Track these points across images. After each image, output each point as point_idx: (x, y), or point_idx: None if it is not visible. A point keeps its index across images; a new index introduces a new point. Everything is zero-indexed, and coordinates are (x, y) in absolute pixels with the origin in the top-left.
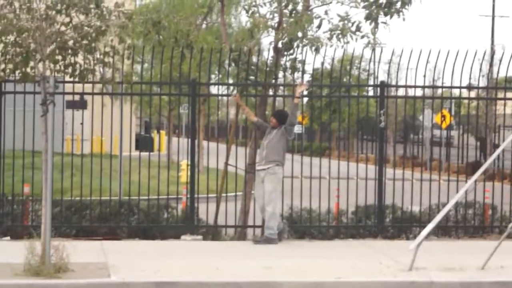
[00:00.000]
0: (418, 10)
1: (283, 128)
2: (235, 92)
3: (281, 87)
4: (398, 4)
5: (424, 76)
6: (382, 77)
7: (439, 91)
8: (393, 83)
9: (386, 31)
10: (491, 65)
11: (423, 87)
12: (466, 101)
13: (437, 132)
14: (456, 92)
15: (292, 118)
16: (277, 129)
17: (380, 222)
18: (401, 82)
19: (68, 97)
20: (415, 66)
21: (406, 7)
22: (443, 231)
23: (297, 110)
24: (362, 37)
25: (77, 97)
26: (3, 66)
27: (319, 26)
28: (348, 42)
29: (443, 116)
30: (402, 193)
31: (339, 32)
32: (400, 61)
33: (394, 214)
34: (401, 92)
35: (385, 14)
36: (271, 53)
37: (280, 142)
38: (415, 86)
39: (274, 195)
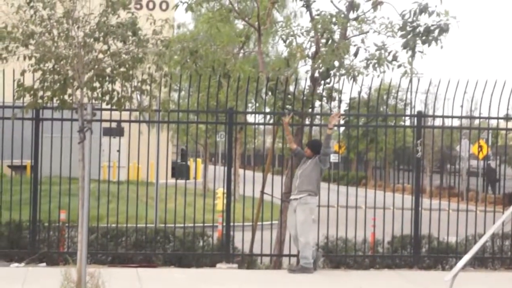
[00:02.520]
0: (455, 39)
1: (317, 158)
2: (271, 121)
3: (318, 116)
4: (436, 32)
5: (462, 106)
6: (419, 107)
7: (477, 121)
8: (430, 113)
9: (423, 60)
10: None
11: (461, 117)
12: (503, 131)
13: (474, 162)
14: (493, 122)
15: (326, 148)
16: (311, 159)
17: (416, 252)
18: (438, 112)
19: (105, 124)
20: (452, 96)
21: (444, 34)
22: (480, 262)
23: (330, 140)
24: (399, 66)
25: (114, 124)
26: (41, 93)
27: (356, 54)
28: (384, 72)
29: (480, 147)
30: (438, 224)
31: (375, 61)
32: (437, 91)
33: (430, 245)
34: (438, 122)
35: (423, 43)
36: (308, 82)
37: (313, 171)
38: (452, 117)
39: (306, 226)
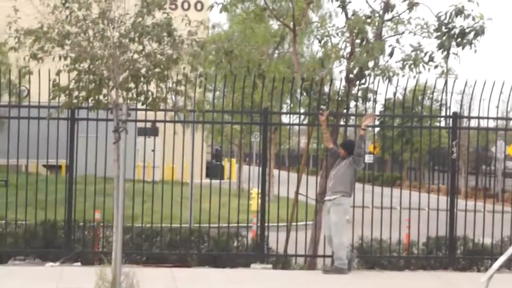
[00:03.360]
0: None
1: (351, 159)
2: (306, 121)
3: (353, 117)
4: (471, 35)
5: (497, 107)
6: (455, 107)
7: None
8: (466, 114)
9: (457, 62)
10: None
11: (496, 118)
12: None
13: (509, 163)
14: None
15: (358, 148)
16: (345, 160)
17: (451, 253)
18: (474, 113)
19: (140, 125)
20: (488, 97)
21: (478, 38)
22: None
23: (363, 141)
24: (436, 67)
25: (149, 125)
26: (76, 93)
27: (391, 54)
28: (420, 72)
29: None
30: (474, 225)
31: (411, 62)
32: (473, 92)
33: (466, 246)
34: (473, 123)
35: (458, 45)
36: (343, 82)
37: (347, 172)
38: (487, 118)
39: (340, 226)
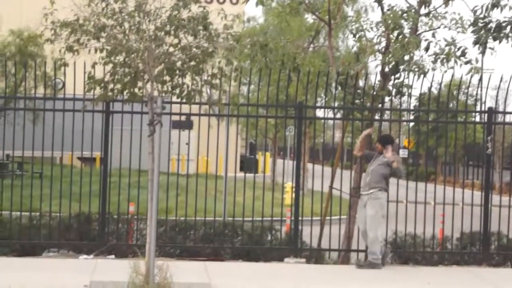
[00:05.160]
0: None
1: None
2: (338, 115)
3: (387, 112)
4: (508, 29)
5: None
6: (490, 103)
7: None
8: (501, 109)
9: (493, 57)
10: None
11: None
12: None
13: None
14: None
15: (398, 174)
16: (382, 155)
17: (485, 249)
18: (509, 108)
19: (175, 118)
20: None
21: None
22: None
23: (398, 169)
24: (466, 63)
25: (183, 118)
26: (111, 86)
27: (426, 49)
28: (452, 67)
29: None
30: (508, 220)
31: (444, 56)
32: (508, 87)
33: (500, 242)
34: (508, 118)
35: (494, 39)
36: (378, 77)
37: (384, 168)
38: None
39: (376, 221)
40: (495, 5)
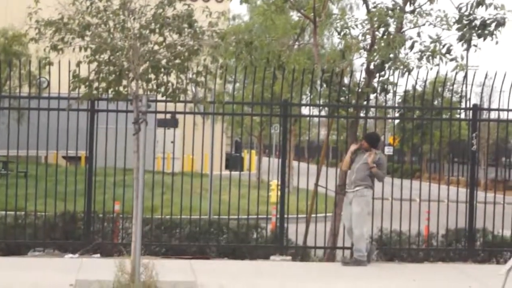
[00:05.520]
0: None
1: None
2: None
3: (373, 109)
4: (492, 26)
5: None
6: (474, 100)
7: None
8: (486, 106)
9: (479, 53)
10: None
11: None
12: None
13: None
14: None
15: (379, 177)
16: (368, 152)
17: (471, 245)
18: (494, 105)
19: (160, 116)
20: (508, 89)
21: (500, 28)
22: None
23: (378, 173)
24: (452, 60)
25: (168, 116)
26: (96, 84)
27: (411, 48)
28: (438, 64)
29: None
30: (493, 217)
31: (429, 53)
32: (493, 84)
33: (485, 238)
34: (493, 115)
35: (479, 36)
36: (363, 74)
37: (369, 166)
38: (508, 110)
39: (361, 218)
40: (480, 3)
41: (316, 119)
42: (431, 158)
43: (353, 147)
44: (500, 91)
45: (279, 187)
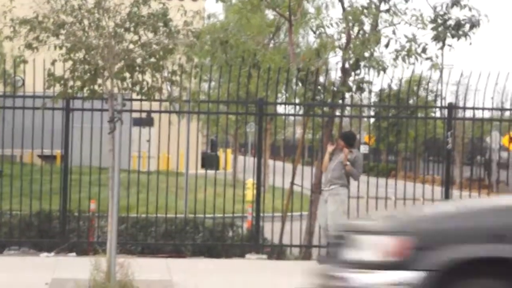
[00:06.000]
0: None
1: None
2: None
3: (348, 108)
4: (467, 27)
5: (492, 98)
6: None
7: (507, 113)
8: (461, 104)
9: (454, 52)
10: None
11: (491, 109)
12: None
13: (504, 154)
14: None
15: (354, 176)
16: (343, 152)
17: None
18: (469, 104)
19: (135, 115)
20: (483, 88)
21: (474, 30)
22: None
23: (352, 171)
24: (427, 59)
25: (144, 115)
26: (71, 83)
27: (387, 46)
28: (413, 64)
29: (511, 138)
30: None
31: (405, 53)
32: (468, 83)
33: None
34: (468, 113)
35: (453, 36)
36: (338, 73)
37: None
38: (483, 108)
39: (337, 216)
40: (455, 3)
41: (291, 118)
42: (406, 157)
43: (330, 148)
44: (475, 90)
45: (254, 185)
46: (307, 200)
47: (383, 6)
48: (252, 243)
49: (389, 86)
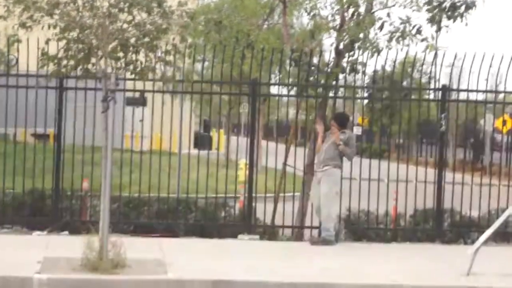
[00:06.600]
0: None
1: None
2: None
3: (342, 89)
4: (462, 8)
5: (486, 80)
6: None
7: (501, 95)
8: (455, 87)
9: (449, 34)
10: None
11: (485, 91)
12: None
13: (498, 136)
14: None
15: (347, 155)
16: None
17: (439, 226)
18: (463, 86)
19: (129, 94)
20: (477, 70)
21: (470, 11)
22: (502, 236)
23: (346, 151)
24: (422, 40)
25: (137, 94)
26: (65, 62)
27: (381, 28)
28: (408, 45)
29: (505, 121)
30: (461, 198)
31: (399, 34)
32: (462, 65)
33: (453, 219)
34: (462, 96)
35: (448, 18)
36: (332, 54)
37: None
38: (477, 91)
39: (330, 197)
40: None
41: (285, 99)
42: (399, 139)
43: (320, 129)
44: (469, 72)
45: (247, 166)
46: (299, 181)
47: None
48: (244, 224)
49: (383, 67)
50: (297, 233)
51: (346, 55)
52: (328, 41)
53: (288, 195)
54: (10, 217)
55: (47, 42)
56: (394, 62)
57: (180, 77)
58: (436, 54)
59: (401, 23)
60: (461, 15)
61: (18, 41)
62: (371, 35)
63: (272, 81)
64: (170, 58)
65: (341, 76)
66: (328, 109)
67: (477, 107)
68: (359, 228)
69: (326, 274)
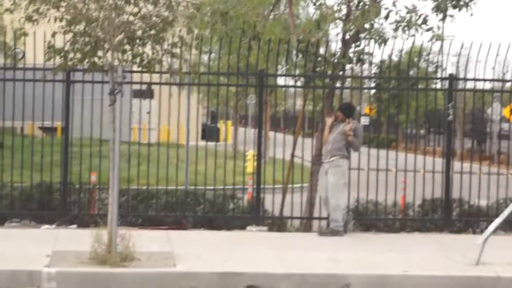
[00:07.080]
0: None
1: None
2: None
3: (348, 79)
4: None
5: (493, 69)
6: (451, 69)
7: (508, 84)
8: (462, 76)
9: (453, 24)
10: None
11: (492, 80)
12: None
13: (505, 125)
14: None
15: (355, 146)
16: (344, 123)
17: (447, 215)
18: (470, 75)
19: (136, 87)
20: (484, 59)
21: (475, 0)
22: (511, 225)
23: (354, 142)
24: (428, 30)
25: (144, 87)
26: (71, 55)
27: (386, 17)
28: (413, 35)
29: None
30: (469, 187)
31: (405, 24)
32: (469, 54)
33: (461, 208)
34: (469, 85)
35: (454, 7)
36: (339, 44)
37: (345, 136)
38: (484, 80)
39: (337, 188)
40: None
41: (292, 90)
42: (407, 128)
43: (329, 121)
44: (476, 61)
45: (255, 157)
46: (307, 171)
47: None
48: (253, 215)
49: (390, 57)
50: (306, 224)
51: (353, 45)
52: (334, 31)
53: (296, 186)
54: (18, 211)
55: (53, 35)
56: (401, 51)
57: (187, 69)
58: (442, 44)
59: (407, 13)
60: (467, 4)
61: (25, 34)
62: (376, 25)
63: (279, 72)
64: (177, 50)
65: (348, 66)
66: (335, 100)
67: (484, 96)
68: (368, 219)
69: (335, 264)
